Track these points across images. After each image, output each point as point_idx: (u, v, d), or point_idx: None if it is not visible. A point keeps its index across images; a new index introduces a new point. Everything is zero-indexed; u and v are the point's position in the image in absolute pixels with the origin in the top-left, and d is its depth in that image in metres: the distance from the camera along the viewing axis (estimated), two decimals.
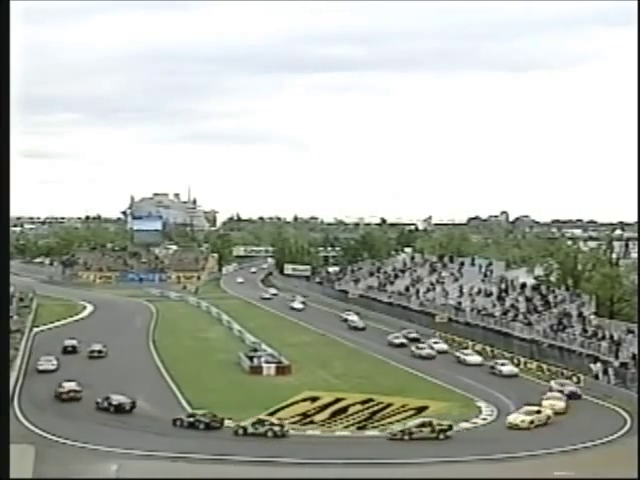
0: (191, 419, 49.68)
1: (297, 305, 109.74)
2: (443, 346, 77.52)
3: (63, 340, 76.37)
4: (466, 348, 75.86)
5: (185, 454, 44.00)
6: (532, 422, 50.10)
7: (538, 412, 51.39)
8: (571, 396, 57.83)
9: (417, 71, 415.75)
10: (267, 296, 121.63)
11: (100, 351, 72.61)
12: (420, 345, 76.69)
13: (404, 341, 79.98)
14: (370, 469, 42.69)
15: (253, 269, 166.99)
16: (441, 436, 47.83)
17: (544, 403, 53.98)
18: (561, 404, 54.58)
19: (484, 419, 53.64)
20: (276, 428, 48.16)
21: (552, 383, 61.29)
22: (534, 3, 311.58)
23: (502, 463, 43.67)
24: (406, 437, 47.54)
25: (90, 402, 54.08)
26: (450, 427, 48.65)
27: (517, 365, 69.42)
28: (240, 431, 48.11)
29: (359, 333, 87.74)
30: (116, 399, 53.15)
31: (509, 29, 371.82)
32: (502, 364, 68.21)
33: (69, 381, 57.42)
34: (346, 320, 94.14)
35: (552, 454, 45.27)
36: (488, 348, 75.66)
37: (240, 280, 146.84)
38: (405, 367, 70.13)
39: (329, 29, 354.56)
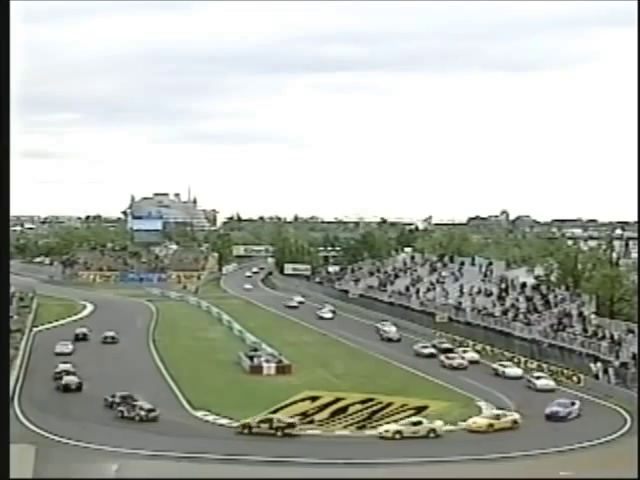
0: (111, 399, 52.61)
1: (326, 314, 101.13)
2: (474, 355, 72.80)
3: (63, 339, 76.84)
4: (504, 360, 70.16)
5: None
6: (399, 432, 47.52)
7: (417, 424, 48.40)
8: (550, 417, 52.44)
9: (417, 71, 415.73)
10: (293, 304, 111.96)
11: (113, 337, 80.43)
12: (450, 355, 71.54)
13: (433, 351, 74.36)
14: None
15: (248, 273, 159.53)
16: (279, 433, 47.64)
17: (469, 421, 50.25)
18: (482, 422, 49.76)
19: None
20: (142, 412, 50.42)
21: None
22: (534, 3, 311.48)
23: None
24: (246, 431, 48.11)
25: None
26: (292, 425, 48.33)
27: (517, 365, 69.32)
28: (119, 414, 51.04)
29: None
30: (66, 379, 57.94)
31: (509, 29, 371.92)
32: (537, 377, 63.00)
33: (65, 363, 63.55)
34: (378, 330, 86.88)
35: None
36: (488, 348, 75.67)
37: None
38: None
39: (329, 29, 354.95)
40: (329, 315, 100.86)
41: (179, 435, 47.67)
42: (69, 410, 53.08)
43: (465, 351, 73.66)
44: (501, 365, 67.52)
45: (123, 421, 50.23)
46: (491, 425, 49.26)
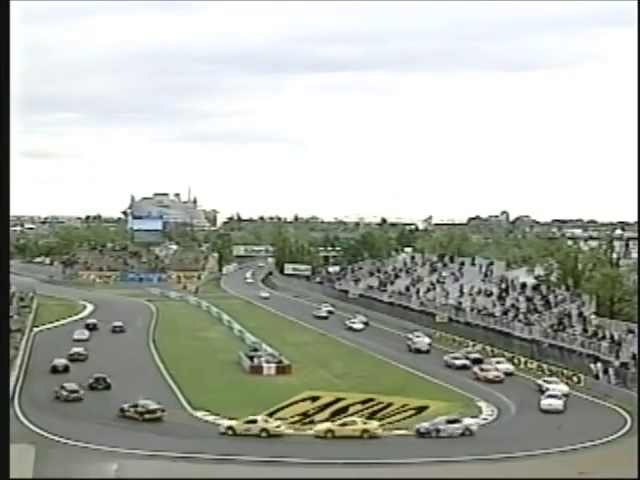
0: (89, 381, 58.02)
1: (357, 325, 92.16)
2: (508, 366, 67.38)
3: (63, 339, 77.44)
4: (550, 374, 64.62)
5: None
6: (232, 429, 47.67)
7: (251, 422, 47.97)
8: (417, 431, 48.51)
9: (417, 71, 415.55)
10: (322, 314, 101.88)
11: (121, 327, 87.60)
12: (484, 366, 66.32)
13: (465, 362, 69.16)
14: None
15: (248, 280, 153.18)
16: (140, 418, 49.98)
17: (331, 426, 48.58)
18: (321, 427, 48.40)
19: None
20: (65, 393, 54.79)
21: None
22: (534, 3, 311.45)
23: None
24: (121, 414, 50.91)
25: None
26: (154, 411, 50.30)
27: (517, 365, 69.30)
28: (53, 395, 55.21)
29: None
30: (57, 362, 64.68)
31: (509, 29, 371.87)
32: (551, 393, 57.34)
33: (78, 347, 71.47)
34: (410, 339, 79.99)
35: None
36: (488, 348, 75.63)
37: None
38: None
39: (328, 29, 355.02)
40: (360, 326, 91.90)
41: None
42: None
43: (499, 362, 68.45)
44: (545, 381, 61.22)
45: (55, 401, 54.40)
46: (330, 431, 47.83)
